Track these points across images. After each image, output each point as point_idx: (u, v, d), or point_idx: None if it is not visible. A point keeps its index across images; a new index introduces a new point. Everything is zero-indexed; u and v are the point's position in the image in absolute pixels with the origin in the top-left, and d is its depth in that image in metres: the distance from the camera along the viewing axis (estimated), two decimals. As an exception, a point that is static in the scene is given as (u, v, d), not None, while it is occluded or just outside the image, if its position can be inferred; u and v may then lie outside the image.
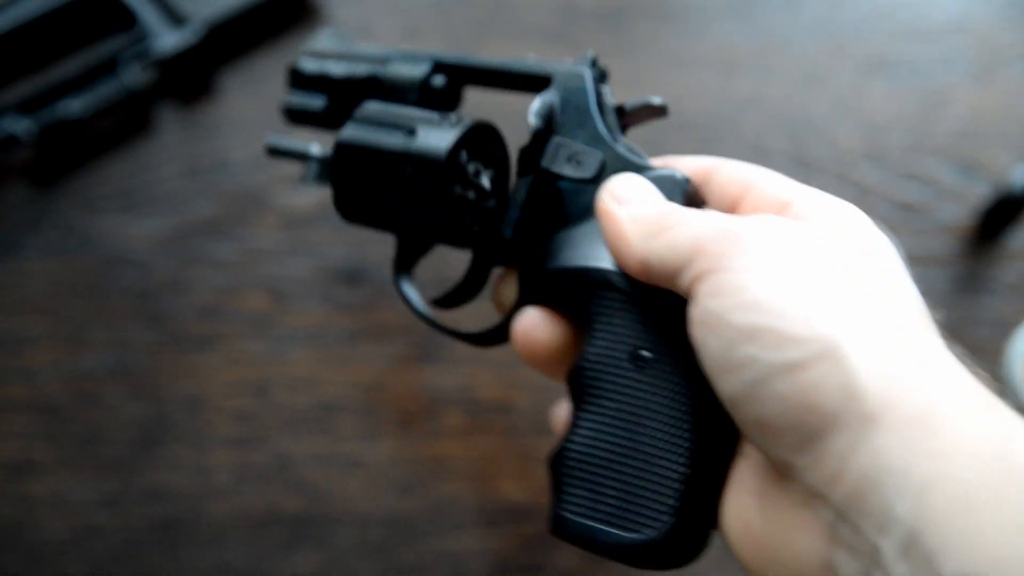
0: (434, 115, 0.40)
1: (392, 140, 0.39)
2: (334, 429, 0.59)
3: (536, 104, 0.39)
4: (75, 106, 0.65)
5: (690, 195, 0.36)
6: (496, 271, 0.43)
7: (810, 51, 0.72)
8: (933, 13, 0.73)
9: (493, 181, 0.41)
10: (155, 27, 0.68)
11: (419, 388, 0.60)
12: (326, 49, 0.48)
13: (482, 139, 0.40)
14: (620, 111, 0.40)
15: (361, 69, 0.46)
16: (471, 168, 0.40)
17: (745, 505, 0.31)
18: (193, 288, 0.63)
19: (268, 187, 0.66)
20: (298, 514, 0.57)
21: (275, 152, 0.49)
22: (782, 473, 0.29)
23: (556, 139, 0.39)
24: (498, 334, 0.41)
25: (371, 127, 0.40)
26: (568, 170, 0.38)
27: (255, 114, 0.69)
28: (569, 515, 0.34)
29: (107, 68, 0.67)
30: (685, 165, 0.38)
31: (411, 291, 0.44)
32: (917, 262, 0.63)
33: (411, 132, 0.39)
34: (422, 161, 0.38)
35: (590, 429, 0.34)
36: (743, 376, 0.28)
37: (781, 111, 0.69)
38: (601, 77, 0.40)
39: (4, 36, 0.67)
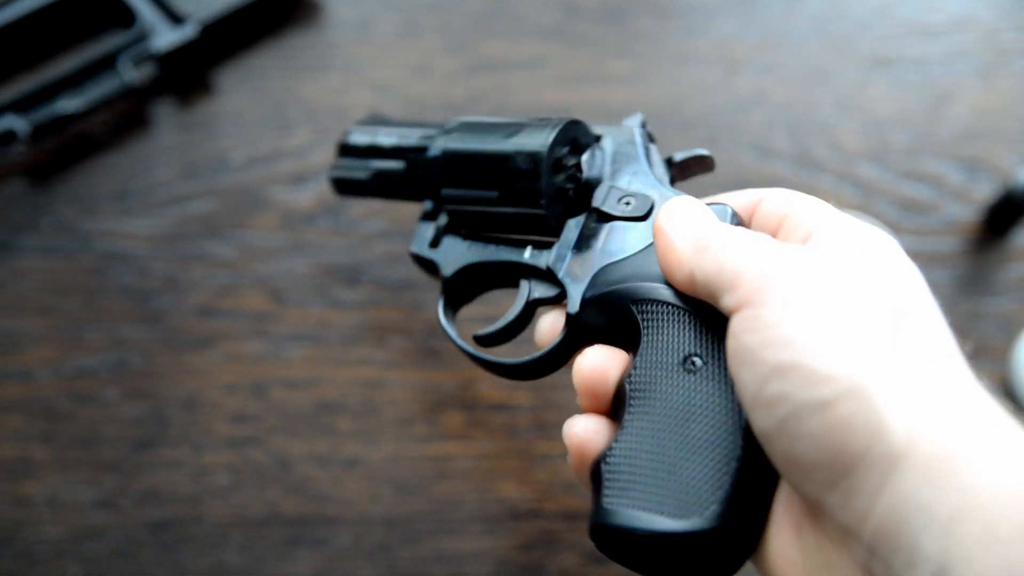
0: (525, 120, 0.44)
1: (494, 142, 0.43)
2: (333, 429, 0.59)
3: (586, 155, 0.42)
4: (73, 103, 0.64)
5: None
6: (541, 311, 0.45)
7: (813, 48, 0.71)
8: (937, 10, 0.73)
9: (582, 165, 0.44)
10: (154, 24, 0.68)
11: (419, 388, 0.60)
12: (369, 126, 0.54)
13: (574, 133, 0.43)
14: (669, 162, 0.43)
15: (412, 139, 0.50)
16: (568, 160, 0.43)
17: (786, 542, 0.31)
18: (191, 287, 0.62)
19: (267, 185, 0.66)
20: (297, 515, 0.57)
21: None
22: (815, 511, 0.29)
23: (608, 184, 0.42)
24: (540, 366, 0.43)
25: (471, 134, 0.44)
26: (619, 210, 0.41)
27: (253, 111, 0.69)
28: (611, 506, 0.33)
29: (106, 65, 0.66)
30: (735, 201, 0.39)
31: (451, 329, 0.46)
32: (922, 261, 0.63)
33: (511, 133, 0.43)
34: (525, 156, 0.42)
35: (637, 430, 0.34)
36: (775, 413, 0.29)
37: (783, 109, 0.69)
38: (649, 138, 0.44)
39: (3, 33, 0.67)
